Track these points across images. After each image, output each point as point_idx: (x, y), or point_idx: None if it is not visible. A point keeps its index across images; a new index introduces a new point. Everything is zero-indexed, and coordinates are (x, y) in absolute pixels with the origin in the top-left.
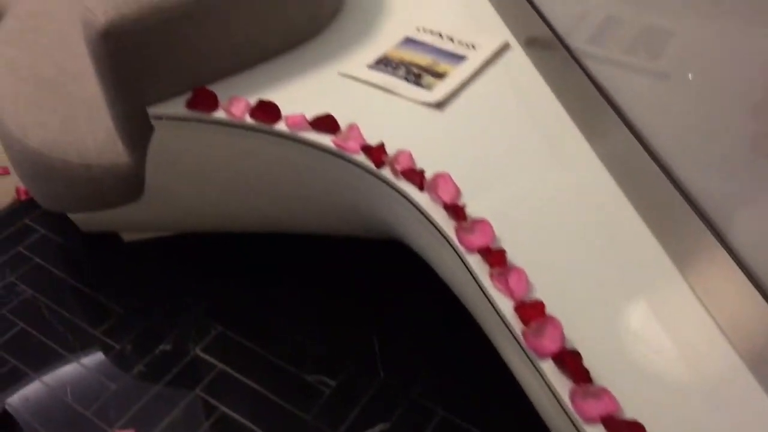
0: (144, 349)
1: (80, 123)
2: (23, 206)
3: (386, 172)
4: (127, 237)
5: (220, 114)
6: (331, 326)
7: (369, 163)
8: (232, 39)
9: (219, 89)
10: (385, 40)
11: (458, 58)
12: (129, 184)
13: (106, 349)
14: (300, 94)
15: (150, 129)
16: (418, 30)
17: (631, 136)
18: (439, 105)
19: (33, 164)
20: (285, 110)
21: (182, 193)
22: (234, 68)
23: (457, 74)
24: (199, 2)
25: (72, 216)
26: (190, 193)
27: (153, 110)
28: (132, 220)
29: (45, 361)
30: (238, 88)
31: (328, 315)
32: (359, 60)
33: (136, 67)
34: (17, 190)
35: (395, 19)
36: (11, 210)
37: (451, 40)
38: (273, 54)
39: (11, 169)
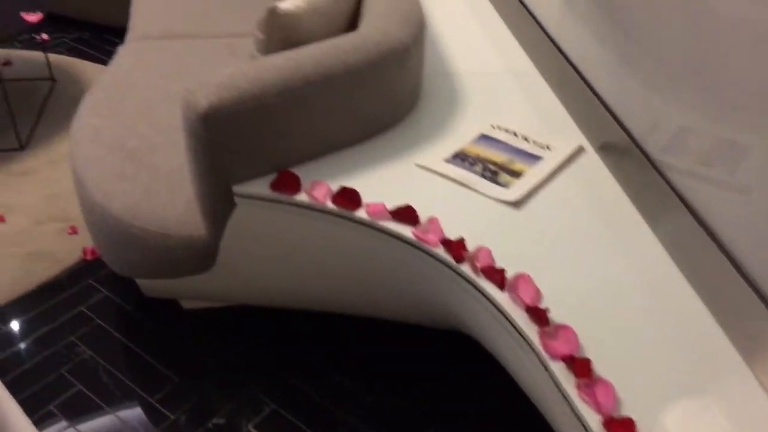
0: (197, 422)
1: (161, 194)
2: (88, 266)
3: (465, 268)
4: (186, 304)
5: (302, 197)
6: (387, 416)
7: (448, 257)
8: (317, 127)
9: (301, 172)
10: (460, 136)
11: (534, 158)
12: (202, 256)
13: (160, 419)
14: (378, 183)
15: (232, 206)
16: (493, 128)
17: (705, 235)
18: (517, 204)
19: (112, 230)
20: (364, 197)
21: (251, 268)
22: (316, 153)
23: (533, 174)
24: (291, 93)
25: (137, 280)
26: (259, 268)
27: (238, 188)
28: (195, 289)
29: (100, 426)
30: (319, 172)
31: (385, 403)
32: (436, 153)
33: (228, 148)
34: (84, 250)
35: (469, 115)
36: (77, 269)
37: (526, 139)
38: (353, 142)
39: (79, 229)
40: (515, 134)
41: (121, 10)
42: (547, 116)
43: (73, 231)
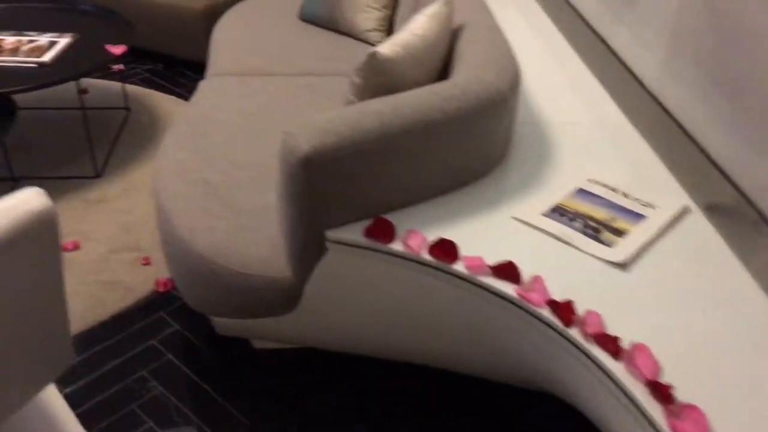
0: None
1: (245, 232)
2: (161, 299)
3: (574, 333)
4: (257, 344)
5: (397, 246)
6: None
7: (555, 320)
8: (413, 174)
9: (394, 219)
10: (555, 188)
11: (637, 216)
12: (285, 299)
13: None
14: (474, 235)
15: (323, 251)
16: (590, 182)
17: None
18: (623, 265)
19: (194, 266)
20: (461, 249)
21: (333, 313)
22: (409, 200)
23: (638, 234)
24: (389, 139)
25: (212, 317)
26: (341, 314)
27: (331, 234)
28: (270, 330)
29: None
30: (412, 220)
31: None
32: (532, 206)
33: (325, 193)
34: (156, 282)
35: (562, 167)
36: (149, 301)
37: (626, 196)
38: (446, 190)
39: (152, 260)
40: (614, 190)
41: (193, 46)
42: (645, 171)
43: (146, 262)
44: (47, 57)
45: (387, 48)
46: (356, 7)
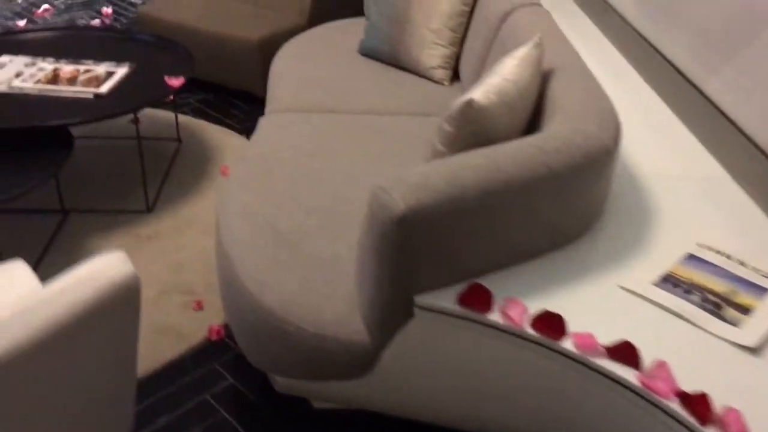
0: None
1: (318, 287)
2: (213, 347)
3: None
4: (317, 404)
5: (494, 316)
6: None
7: (686, 416)
8: (510, 234)
9: (489, 283)
10: (662, 253)
11: (759, 290)
12: (360, 364)
13: None
14: (578, 305)
15: (408, 316)
16: (700, 247)
17: None
18: (756, 349)
19: (262, 323)
20: (566, 322)
21: (409, 380)
22: (504, 263)
23: (766, 311)
24: (490, 197)
25: (273, 375)
26: (419, 381)
27: (421, 299)
28: (334, 391)
29: None
30: (509, 286)
31: None
32: (640, 273)
33: (417, 254)
34: (209, 329)
35: (666, 227)
36: (201, 350)
37: (743, 264)
38: (542, 251)
39: (204, 305)
40: (729, 257)
41: (247, 77)
42: (757, 235)
43: (199, 306)
44: (104, 88)
45: (481, 95)
46: (422, 43)
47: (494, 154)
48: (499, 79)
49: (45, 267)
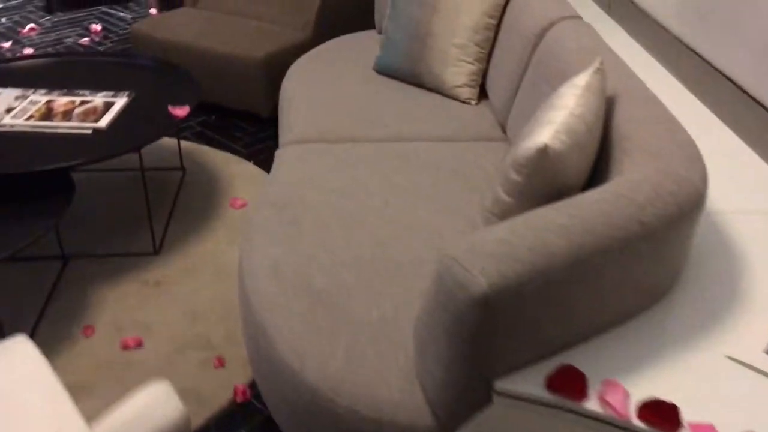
0: None
1: (368, 358)
2: (240, 410)
3: None
4: None
5: (591, 404)
6: None
7: None
8: (597, 302)
9: (575, 361)
10: (766, 307)
11: None
12: None
13: None
14: (683, 383)
15: (485, 402)
16: None
17: None
18: None
19: (305, 402)
20: (677, 408)
21: None
22: (588, 334)
23: None
24: (582, 264)
25: None
26: None
27: (501, 384)
28: None
29: None
30: (598, 362)
31: None
32: (747, 338)
33: (496, 335)
34: (235, 390)
35: (761, 271)
36: (226, 415)
37: None
38: (627, 318)
39: (226, 361)
40: None
41: (251, 97)
42: None
43: (220, 363)
44: (103, 122)
45: (552, 138)
46: (446, 60)
47: (579, 212)
48: (566, 116)
49: (47, 325)
